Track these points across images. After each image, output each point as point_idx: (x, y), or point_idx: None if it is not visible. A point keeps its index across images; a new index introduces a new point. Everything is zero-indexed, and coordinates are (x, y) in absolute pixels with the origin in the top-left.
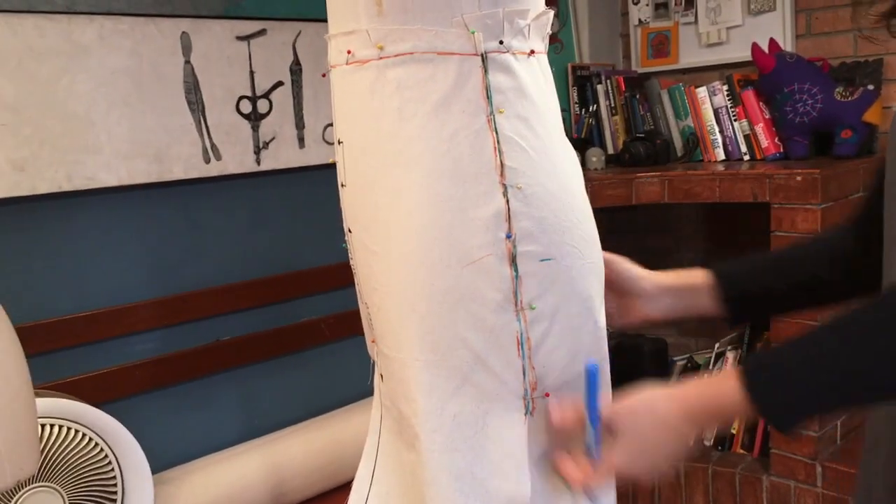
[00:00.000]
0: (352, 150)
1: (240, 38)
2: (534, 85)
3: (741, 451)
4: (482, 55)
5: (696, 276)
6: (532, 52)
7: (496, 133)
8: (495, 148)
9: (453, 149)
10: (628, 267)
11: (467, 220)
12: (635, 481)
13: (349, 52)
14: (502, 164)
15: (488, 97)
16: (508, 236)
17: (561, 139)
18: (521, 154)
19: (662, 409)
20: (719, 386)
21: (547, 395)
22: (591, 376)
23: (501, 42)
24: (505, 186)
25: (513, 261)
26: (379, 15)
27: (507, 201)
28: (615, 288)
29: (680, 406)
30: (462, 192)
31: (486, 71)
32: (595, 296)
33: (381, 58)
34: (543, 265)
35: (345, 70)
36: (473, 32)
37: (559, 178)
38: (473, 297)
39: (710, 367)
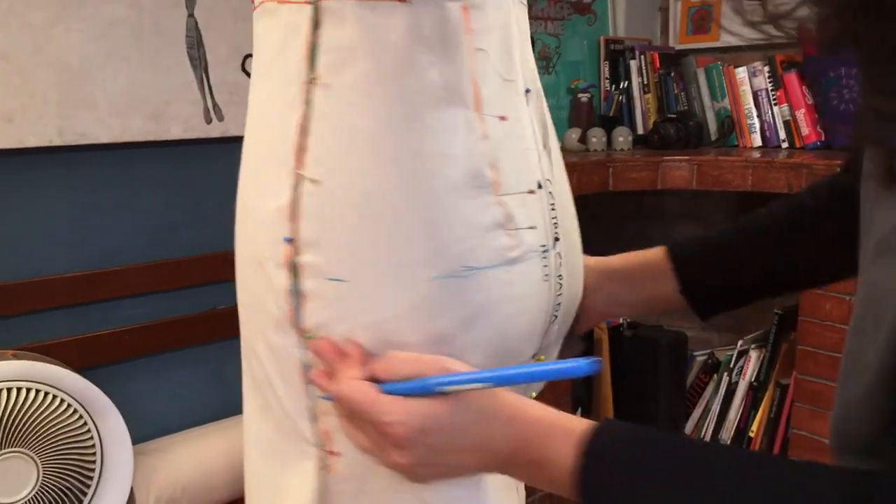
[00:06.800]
0: None
1: None
2: (403, 45)
3: None
4: (314, 4)
5: (653, 258)
6: None
7: (307, 107)
8: (300, 126)
9: (261, 122)
10: None
11: (258, 209)
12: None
13: None
14: (303, 148)
15: (311, 59)
16: (288, 240)
17: (450, 122)
18: (337, 137)
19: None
20: (550, 466)
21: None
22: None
23: None
24: (299, 177)
25: (293, 272)
26: None
27: (296, 195)
28: None
29: (489, 457)
30: (257, 175)
31: (316, 25)
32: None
33: (254, 8)
34: (332, 286)
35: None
36: None
37: (398, 175)
38: (260, 306)
39: (732, 365)
